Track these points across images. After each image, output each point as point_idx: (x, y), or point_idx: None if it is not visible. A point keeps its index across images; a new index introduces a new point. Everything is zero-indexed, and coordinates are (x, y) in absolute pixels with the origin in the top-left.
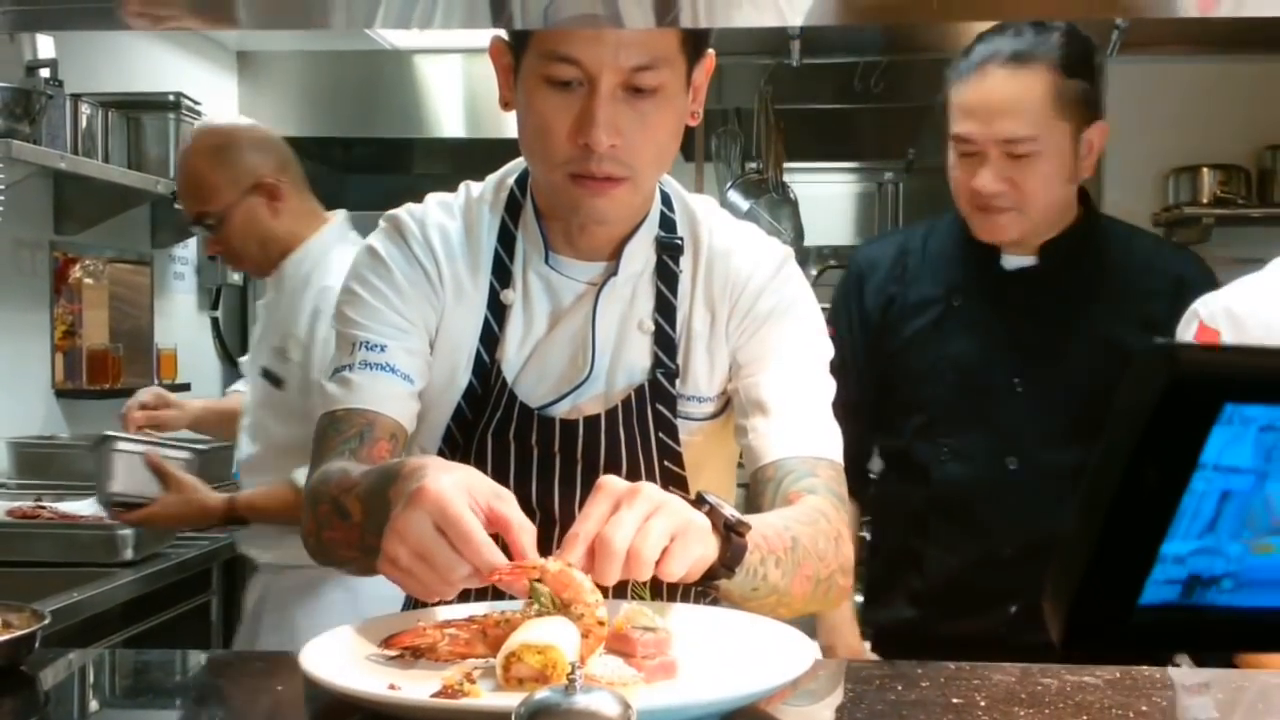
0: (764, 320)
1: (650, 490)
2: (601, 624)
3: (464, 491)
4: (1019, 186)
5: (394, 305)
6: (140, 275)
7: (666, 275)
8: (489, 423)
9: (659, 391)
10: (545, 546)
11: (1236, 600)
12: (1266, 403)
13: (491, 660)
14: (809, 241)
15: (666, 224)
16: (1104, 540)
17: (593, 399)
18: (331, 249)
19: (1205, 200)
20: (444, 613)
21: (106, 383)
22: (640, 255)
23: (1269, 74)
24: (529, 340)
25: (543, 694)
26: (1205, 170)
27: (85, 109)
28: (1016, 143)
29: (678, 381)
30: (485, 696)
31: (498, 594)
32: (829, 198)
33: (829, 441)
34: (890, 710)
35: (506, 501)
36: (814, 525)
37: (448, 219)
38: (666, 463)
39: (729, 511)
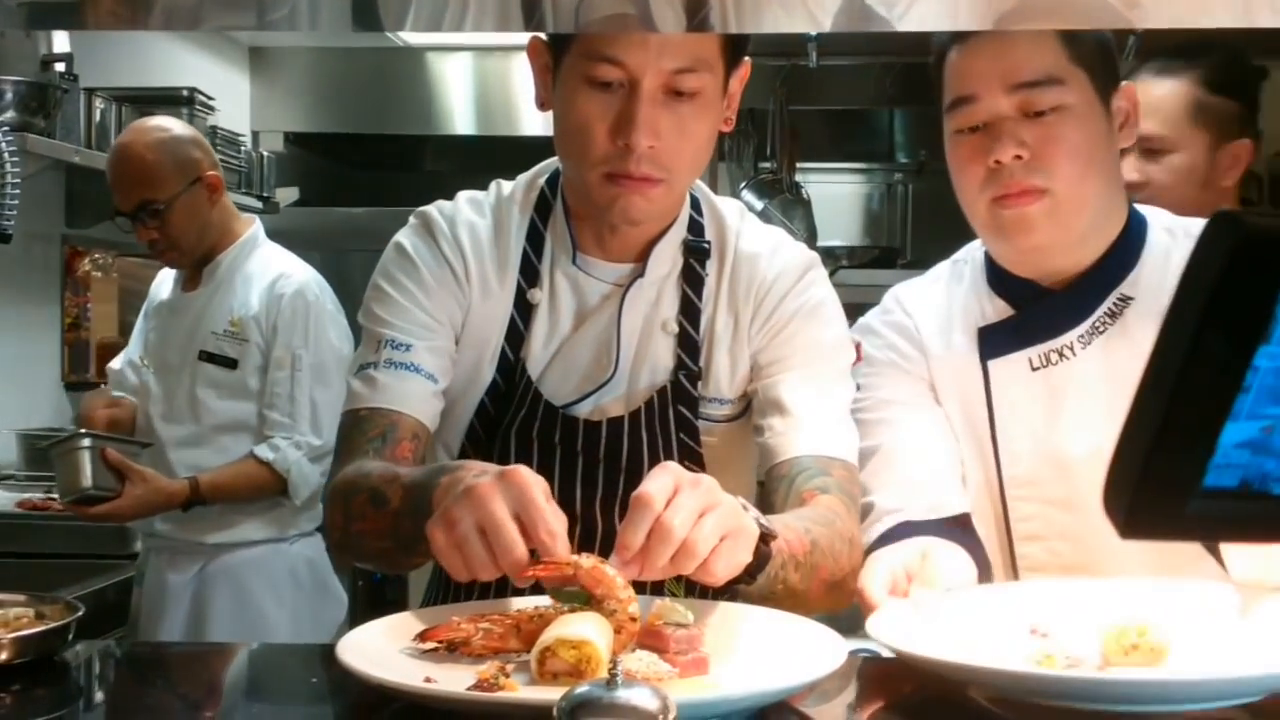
0: (786, 323)
1: (710, 483)
2: (634, 620)
3: (543, 487)
4: None
5: (421, 303)
6: (149, 269)
7: (692, 278)
8: (512, 420)
9: (681, 393)
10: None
11: None
12: None
13: (525, 655)
14: (822, 241)
15: (695, 227)
16: (1169, 417)
17: (615, 400)
18: (262, 244)
19: None
20: (477, 608)
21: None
22: (668, 258)
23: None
24: (554, 339)
25: (584, 688)
26: None
27: (99, 103)
28: None
29: (699, 383)
30: (521, 690)
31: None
32: (842, 198)
33: (845, 443)
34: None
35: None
36: (830, 527)
37: (477, 217)
38: (687, 463)
39: (756, 515)
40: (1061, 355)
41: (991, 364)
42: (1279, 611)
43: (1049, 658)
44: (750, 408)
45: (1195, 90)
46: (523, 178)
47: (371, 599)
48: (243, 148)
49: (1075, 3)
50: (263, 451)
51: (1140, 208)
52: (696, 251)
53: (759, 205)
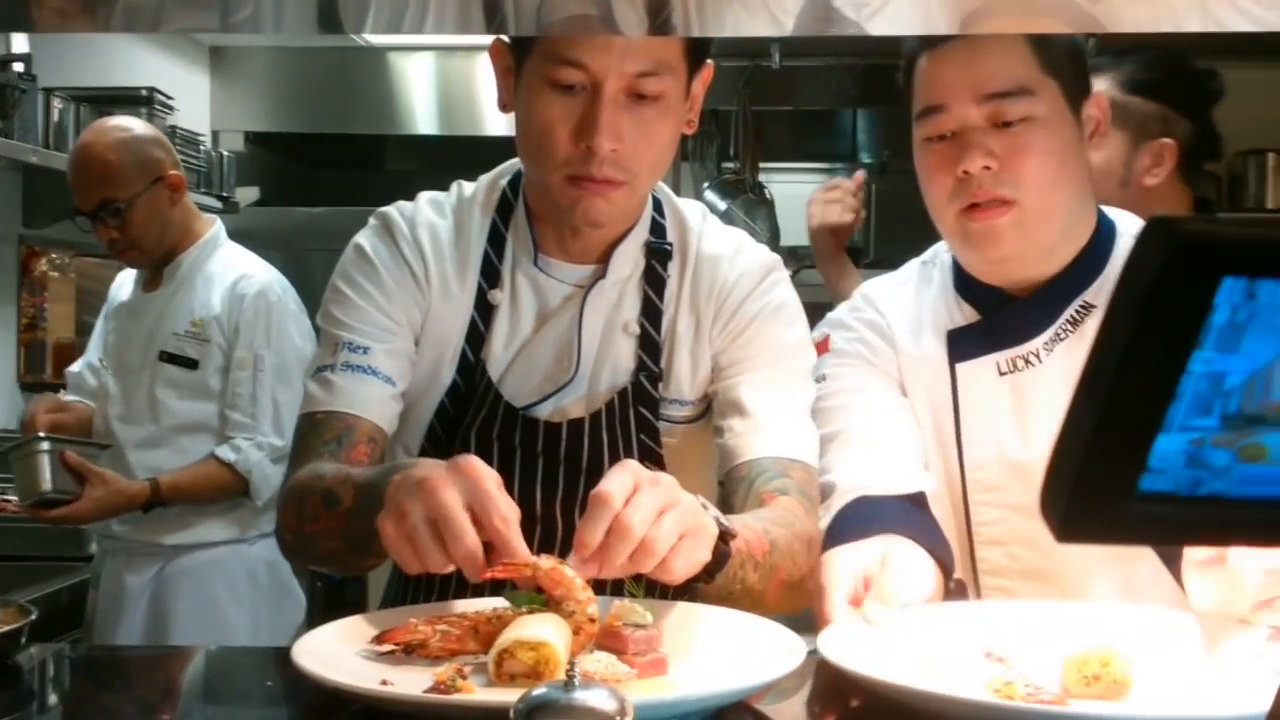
0: (748, 324)
1: (669, 482)
2: (593, 621)
3: (495, 477)
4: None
5: (379, 305)
6: (107, 269)
7: (654, 280)
8: (472, 421)
9: (641, 394)
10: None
11: (1235, 490)
12: (1265, 276)
13: (483, 657)
14: (785, 242)
15: (657, 229)
16: (1104, 422)
17: (576, 401)
18: (224, 244)
19: None
20: (435, 610)
21: None
22: (629, 259)
23: (1242, 81)
24: (515, 340)
25: (541, 690)
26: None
27: (57, 103)
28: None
29: (660, 385)
30: (478, 692)
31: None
32: (805, 198)
33: (804, 445)
34: (864, 707)
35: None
36: (789, 528)
37: (438, 217)
38: (647, 463)
39: (715, 514)
40: (1027, 361)
41: (960, 367)
42: (1242, 646)
43: (1009, 685)
44: (710, 409)
45: (1112, 90)
46: (484, 179)
47: (330, 601)
48: (202, 147)
49: (1042, 5)
50: (224, 452)
51: (1110, 212)
52: (658, 253)
53: (722, 206)
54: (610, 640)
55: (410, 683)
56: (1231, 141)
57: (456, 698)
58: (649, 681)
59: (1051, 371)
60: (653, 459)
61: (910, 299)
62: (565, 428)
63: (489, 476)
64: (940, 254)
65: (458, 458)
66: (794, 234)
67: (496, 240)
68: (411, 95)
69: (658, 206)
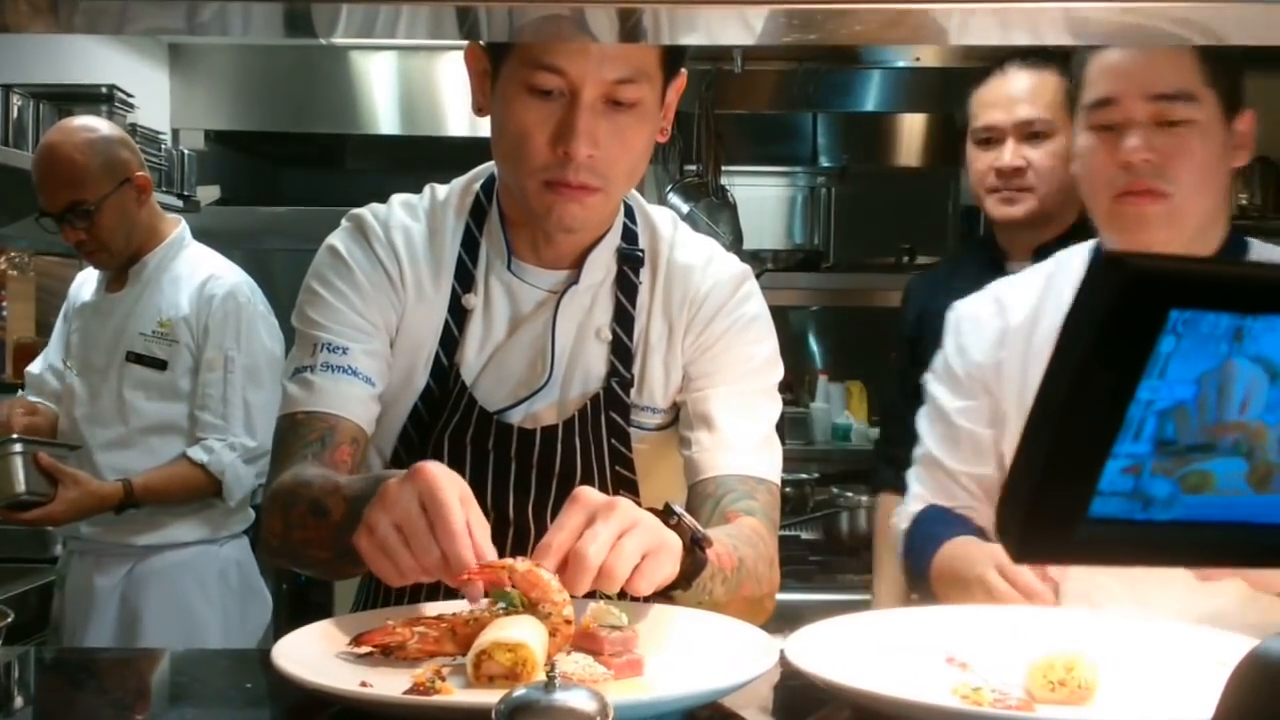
0: (719, 338)
1: (625, 506)
2: (569, 622)
3: (457, 484)
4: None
5: (355, 306)
6: (68, 268)
7: (626, 286)
8: (445, 425)
9: (613, 400)
10: (499, 551)
11: (1183, 514)
12: (1211, 309)
13: (461, 658)
14: (747, 245)
15: (629, 235)
16: (1056, 446)
17: (549, 406)
18: (189, 244)
19: None
20: (413, 612)
21: None
22: (602, 265)
23: None
24: (489, 345)
25: (522, 691)
26: None
27: (16, 100)
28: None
29: (632, 391)
30: (457, 693)
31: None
32: (766, 201)
33: (769, 464)
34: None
35: (473, 502)
36: (755, 549)
37: (411, 220)
38: (618, 468)
39: (692, 522)
40: None
41: None
42: (1204, 646)
43: (976, 691)
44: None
45: (1066, 79)
46: (458, 182)
47: (297, 602)
48: (163, 146)
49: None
50: (196, 453)
51: (1249, 239)
52: (630, 259)
53: (685, 208)
54: (587, 642)
55: (389, 684)
56: None
57: (436, 699)
58: (625, 682)
59: None
60: (624, 465)
61: (1034, 302)
62: (538, 434)
63: (448, 486)
64: (1065, 263)
65: (418, 465)
66: (756, 237)
67: (470, 244)
68: (374, 94)
69: (630, 213)
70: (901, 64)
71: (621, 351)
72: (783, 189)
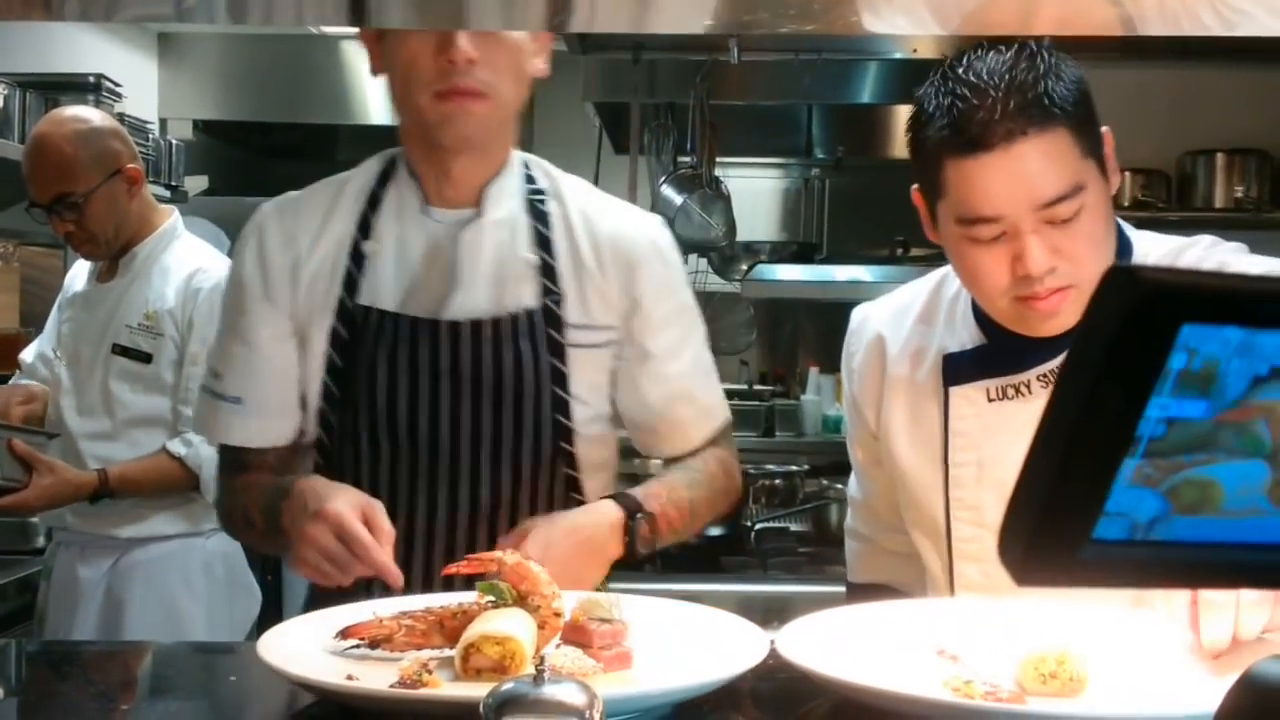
0: (644, 280)
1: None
2: (558, 615)
3: (355, 509)
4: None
5: (252, 338)
6: (53, 258)
7: (539, 215)
8: (374, 347)
9: (550, 316)
10: (430, 476)
11: (1189, 535)
12: (1225, 324)
13: (448, 651)
14: (741, 236)
15: (530, 180)
16: (1064, 467)
17: (480, 314)
18: (181, 235)
19: (1126, 204)
20: (400, 604)
21: (16, 367)
22: (504, 200)
23: (1190, 81)
24: (402, 278)
25: (510, 684)
26: (1126, 174)
27: (3, 89)
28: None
29: (570, 307)
30: (445, 687)
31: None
32: (761, 193)
33: (719, 400)
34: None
35: (376, 510)
36: (710, 484)
37: (292, 205)
38: (555, 388)
39: (633, 497)
40: (1018, 391)
41: (953, 390)
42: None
43: (968, 684)
44: (616, 340)
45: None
46: (373, 158)
47: (284, 595)
48: (150, 136)
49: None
50: (175, 446)
51: (1136, 238)
52: (536, 193)
53: (678, 200)
54: (576, 635)
55: (376, 678)
56: (1180, 142)
57: (424, 692)
58: (614, 675)
59: (1038, 407)
60: (560, 384)
61: (911, 324)
62: (468, 328)
63: (352, 520)
64: (950, 278)
65: (320, 504)
66: (750, 229)
67: (374, 201)
68: (363, 84)
69: (528, 167)
70: (898, 55)
71: (549, 271)
72: (777, 181)
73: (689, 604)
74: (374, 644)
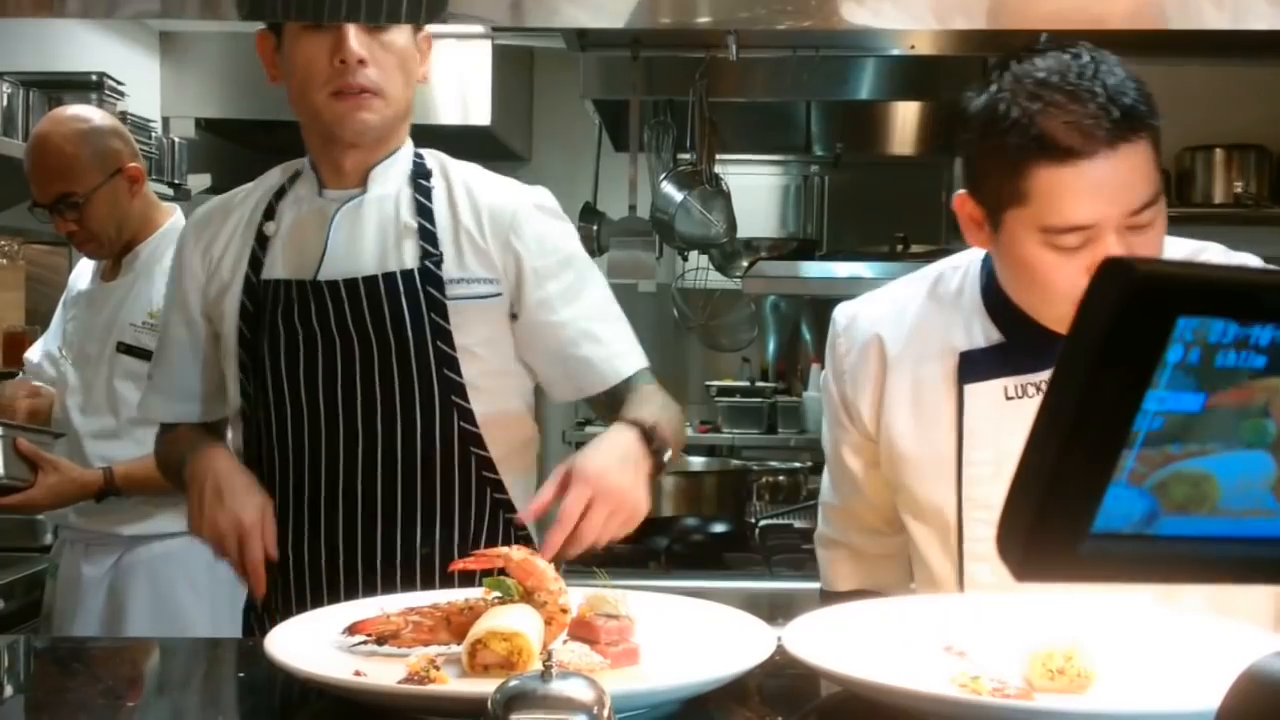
0: (530, 254)
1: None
2: (565, 611)
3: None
4: None
5: (165, 325)
6: (58, 256)
7: (421, 190)
8: (273, 312)
9: (428, 275)
10: (330, 433)
11: (1187, 529)
12: (1220, 316)
13: (455, 647)
14: (741, 233)
15: (418, 167)
16: (1061, 462)
17: (365, 276)
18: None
19: None
20: (407, 600)
21: (22, 365)
22: (388, 179)
23: (1188, 78)
24: (296, 252)
25: (518, 680)
26: None
27: (6, 88)
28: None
29: (449, 265)
30: (452, 683)
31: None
32: (760, 190)
33: (630, 355)
34: (833, 696)
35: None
36: (669, 408)
37: (227, 200)
38: (439, 343)
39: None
40: (1038, 389)
41: (968, 388)
42: (1203, 634)
43: (975, 680)
44: (496, 294)
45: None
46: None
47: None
48: (153, 134)
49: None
50: None
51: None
52: (420, 172)
53: (679, 197)
54: (582, 630)
55: (383, 674)
56: (1179, 137)
57: (431, 688)
58: (621, 671)
59: None
60: (444, 340)
61: (912, 321)
62: (360, 285)
63: (252, 523)
64: (964, 272)
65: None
66: (750, 226)
67: (280, 192)
68: None
69: (419, 157)
70: (896, 52)
71: (427, 235)
72: (776, 178)
73: (695, 600)
74: (381, 640)
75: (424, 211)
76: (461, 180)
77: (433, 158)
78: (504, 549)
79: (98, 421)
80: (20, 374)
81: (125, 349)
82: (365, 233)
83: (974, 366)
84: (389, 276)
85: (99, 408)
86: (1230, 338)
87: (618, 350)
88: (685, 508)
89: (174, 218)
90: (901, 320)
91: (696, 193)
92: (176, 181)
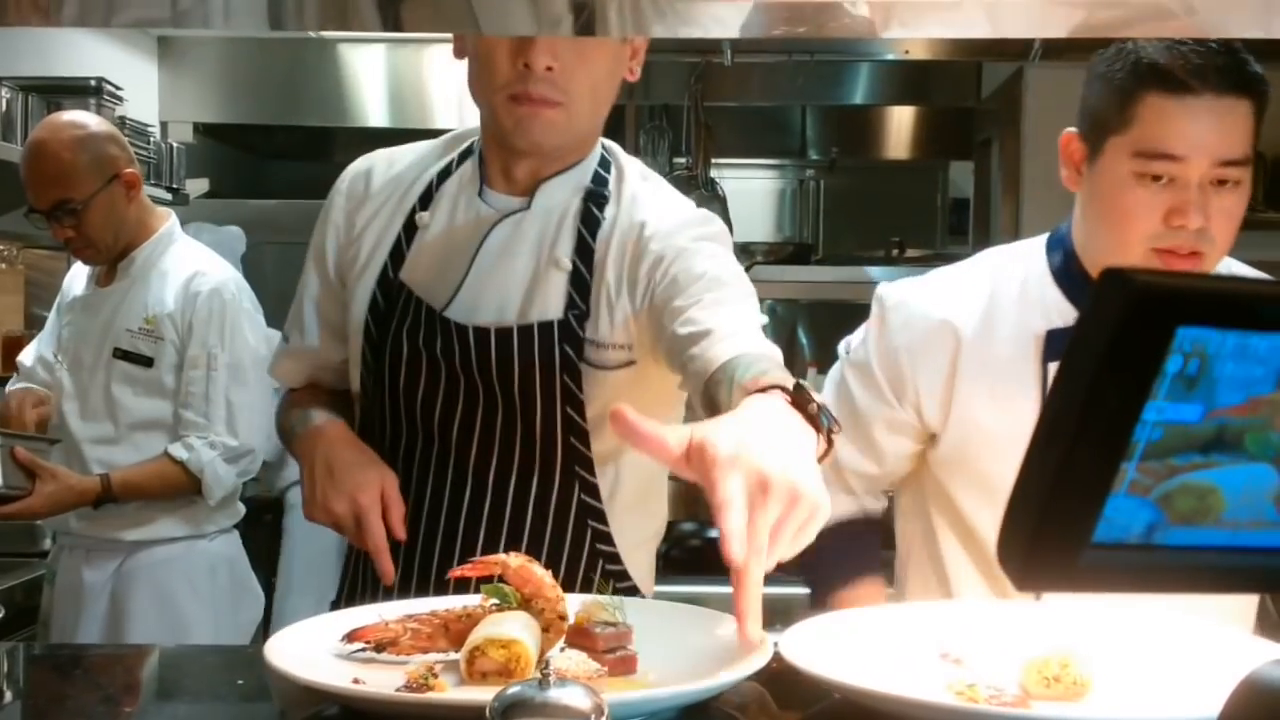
0: (682, 261)
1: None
2: (563, 618)
3: (376, 491)
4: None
5: (319, 292)
6: (57, 261)
7: (589, 220)
8: (400, 325)
9: (568, 332)
10: (427, 467)
11: (1187, 539)
12: (1220, 327)
13: (453, 654)
14: (737, 238)
15: (598, 180)
16: (1062, 471)
17: (500, 318)
18: (179, 239)
19: None
20: (405, 607)
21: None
22: (559, 194)
23: None
24: (446, 260)
25: (516, 688)
26: None
27: (5, 93)
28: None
29: (588, 324)
30: (450, 690)
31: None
32: (756, 194)
33: (768, 345)
34: (832, 704)
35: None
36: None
37: (388, 158)
38: (569, 409)
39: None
40: None
41: (1053, 366)
42: (1199, 642)
43: (971, 687)
44: (634, 362)
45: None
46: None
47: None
48: (151, 139)
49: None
50: (177, 451)
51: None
52: (595, 197)
53: None
54: (580, 638)
55: (382, 681)
56: None
57: (429, 696)
58: (619, 679)
59: None
60: (574, 407)
61: (984, 305)
62: (493, 335)
63: (372, 515)
64: (1025, 262)
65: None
66: (746, 230)
67: (445, 174)
68: (361, 87)
69: (605, 163)
70: (890, 57)
71: (579, 282)
72: (772, 182)
73: (693, 607)
74: (380, 647)
75: (583, 250)
76: (630, 216)
77: (615, 171)
78: (501, 556)
79: (96, 427)
80: (15, 376)
81: (121, 354)
82: (515, 263)
83: (1058, 345)
84: (524, 330)
85: (97, 413)
86: (1230, 348)
87: (764, 350)
88: (683, 513)
89: (169, 223)
90: (970, 304)
91: (693, 197)
92: (175, 186)
